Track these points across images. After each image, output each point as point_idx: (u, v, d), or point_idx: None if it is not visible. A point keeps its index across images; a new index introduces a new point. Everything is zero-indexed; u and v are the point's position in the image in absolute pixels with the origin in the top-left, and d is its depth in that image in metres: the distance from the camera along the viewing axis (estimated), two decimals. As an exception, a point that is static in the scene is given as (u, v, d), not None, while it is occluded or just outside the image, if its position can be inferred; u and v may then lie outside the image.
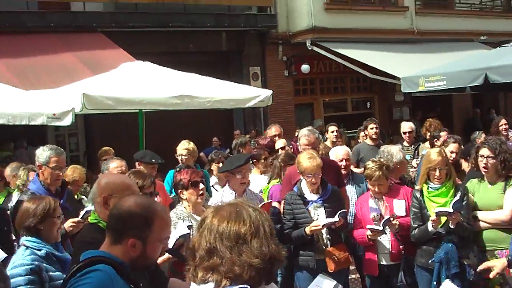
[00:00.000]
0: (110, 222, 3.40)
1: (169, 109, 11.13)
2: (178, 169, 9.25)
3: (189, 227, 5.71)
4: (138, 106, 10.67)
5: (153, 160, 8.65)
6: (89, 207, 6.48)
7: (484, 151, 6.85)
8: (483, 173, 6.90)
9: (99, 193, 4.31)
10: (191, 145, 10.01)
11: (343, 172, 8.51)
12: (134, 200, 3.40)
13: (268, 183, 8.83)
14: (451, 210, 6.34)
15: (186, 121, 15.85)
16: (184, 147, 9.90)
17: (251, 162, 9.31)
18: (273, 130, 11.53)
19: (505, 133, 11.52)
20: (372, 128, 11.49)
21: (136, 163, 8.56)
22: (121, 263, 3.23)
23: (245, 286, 2.52)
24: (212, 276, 2.57)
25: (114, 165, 7.22)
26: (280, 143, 10.34)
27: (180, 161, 9.84)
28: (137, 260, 3.28)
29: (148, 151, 9.10)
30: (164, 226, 3.38)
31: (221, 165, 9.19)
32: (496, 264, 5.53)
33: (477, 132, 11.46)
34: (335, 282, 6.23)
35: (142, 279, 3.71)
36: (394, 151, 8.23)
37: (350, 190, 8.48)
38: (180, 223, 5.91)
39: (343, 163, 8.58)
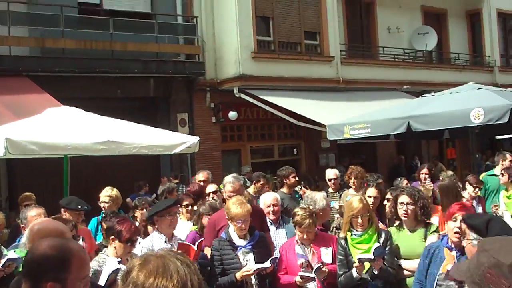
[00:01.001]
0: (26, 268, 3.28)
1: (94, 155, 11.02)
2: (104, 215, 9.17)
3: (119, 262, 5.65)
4: (63, 152, 10.51)
5: (79, 207, 8.55)
6: (10, 254, 6.34)
7: (404, 198, 7.04)
8: (403, 219, 7.06)
9: (31, 239, 4.24)
10: (114, 192, 9.98)
11: (272, 217, 8.60)
12: (47, 243, 3.28)
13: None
14: (372, 257, 6.45)
15: (112, 167, 15.67)
16: (106, 194, 9.88)
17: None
18: (200, 175, 11.58)
19: (424, 181, 11.84)
20: (293, 177, 11.61)
21: (62, 209, 8.45)
22: None
23: None
24: None
25: (32, 214, 7.08)
26: (211, 187, 10.34)
27: (103, 208, 9.77)
28: None
29: (73, 197, 8.99)
30: (82, 265, 3.28)
31: (144, 211, 9.13)
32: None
33: (399, 179, 11.74)
34: None
35: None
36: (317, 198, 8.33)
37: (281, 234, 8.51)
38: (110, 258, 5.85)
39: (271, 208, 8.62)
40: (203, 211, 8.54)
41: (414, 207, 6.98)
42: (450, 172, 12.03)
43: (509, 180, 11.24)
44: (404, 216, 7.01)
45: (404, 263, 6.94)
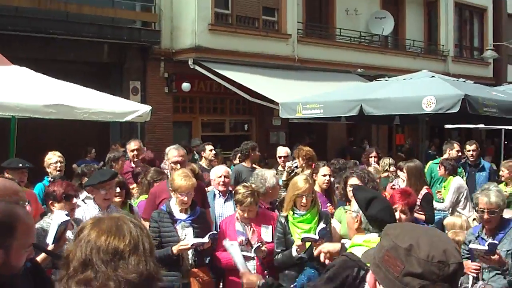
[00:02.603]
0: None
1: (43, 118, 10.80)
2: (52, 179, 9.01)
3: (67, 214, 5.57)
4: (11, 112, 10.26)
5: (20, 165, 8.40)
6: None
7: (353, 181, 7.03)
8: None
9: None
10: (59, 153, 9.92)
11: (222, 188, 8.64)
12: None
13: (138, 198, 8.76)
14: (317, 237, 6.44)
15: (61, 131, 15.41)
16: (58, 155, 9.76)
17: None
18: (132, 144, 11.50)
19: (373, 164, 11.92)
20: (258, 151, 11.70)
21: (5, 171, 8.29)
22: None
23: None
24: None
25: None
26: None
27: (56, 170, 9.61)
28: (0, 269, 3.03)
29: (14, 158, 8.84)
30: (28, 232, 3.15)
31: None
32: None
33: (351, 162, 11.82)
34: None
35: (26, 283, 3.55)
36: (268, 176, 8.31)
37: (229, 207, 8.52)
38: (57, 212, 5.82)
39: (222, 179, 8.63)
40: (151, 178, 8.49)
41: None
42: (386, 160, 12.16)
43: (446, 172, 11.40)
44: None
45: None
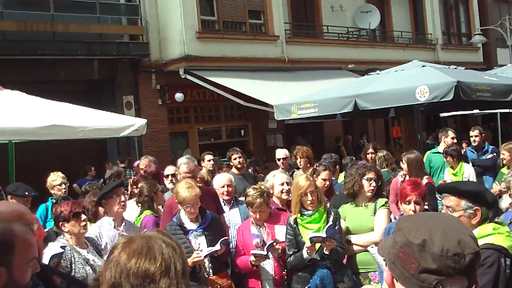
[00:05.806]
0: None
1: (40, 139, 10.79)
2: (54, 200, 9.02)
3: (63, 247, 5.57)
4: (7, 137, 10.27)
5: (27, 193, 8.41)
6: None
7: (372, 175, 7.14)
8: (367, 195, 7.12)
9: None
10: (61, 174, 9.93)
11: (226, 197, 8.62)
12: None
13: (140, 214, 8.66)
14: (324, 235, 6.45)
15: (58, 151, 15.40)
16: (62, 176, 9.75)
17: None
18: (142, 162, 11.47)
19: (370, 161, 11.87)
20: (235, 158, 11.57)
21: (9, 196, 8.29)
22: None
23: None
24: None
25: None
26: (170, 169, 10.17)
27: (60, 191, 9.62)
28: (5, 287, 3.07)
29: (20, 184, 8.82)
30: (27, 247, 3.18)
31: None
32: None
33: (348, 158, 11.79)
34: None
35: None
36: (268, 177, 8.36)
37: (235, 214, 8.46)
38: (50, 244, 5.79)
39: (225, 188, 8.62)
40: (148, 192, 8.47)
41: (376, 183, 7.12)
42: (380, 154, 12.09)
43: (455, 159, 11.41)
44: (371, 192, 7.10)
45: (353, 238, 7.03)
